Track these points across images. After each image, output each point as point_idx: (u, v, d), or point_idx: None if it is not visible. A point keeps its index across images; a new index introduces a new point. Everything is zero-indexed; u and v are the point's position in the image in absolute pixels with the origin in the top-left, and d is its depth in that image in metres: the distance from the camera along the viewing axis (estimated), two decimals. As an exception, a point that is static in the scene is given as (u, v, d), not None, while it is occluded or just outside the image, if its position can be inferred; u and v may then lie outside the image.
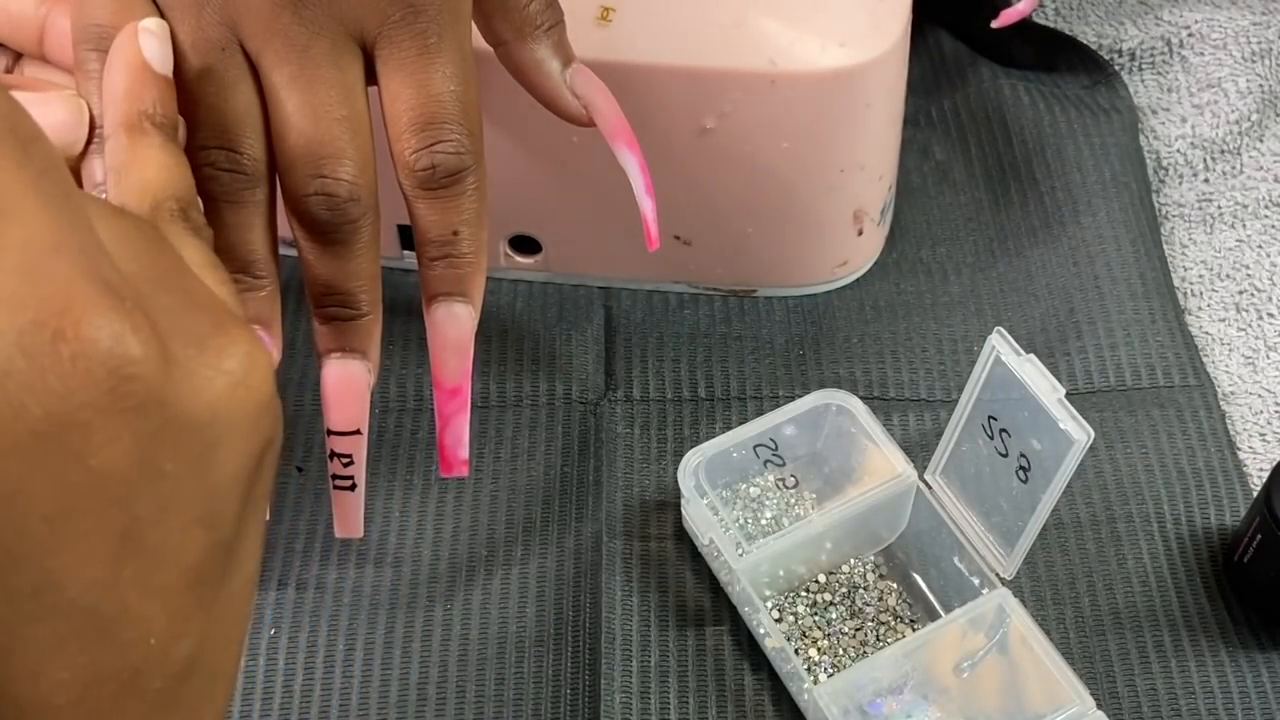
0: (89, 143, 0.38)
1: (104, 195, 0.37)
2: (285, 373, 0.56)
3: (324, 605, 0.50)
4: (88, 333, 0.23)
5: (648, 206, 0.46)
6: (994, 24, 0.63)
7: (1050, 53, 0.69)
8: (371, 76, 0.41)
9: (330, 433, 0.43)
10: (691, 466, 0.50)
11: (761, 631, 0.49)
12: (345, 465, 0.44)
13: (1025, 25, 0.69)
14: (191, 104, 0.39)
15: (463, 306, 0.42)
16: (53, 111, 0.37)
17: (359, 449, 0.43)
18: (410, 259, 0.58)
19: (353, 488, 0.44)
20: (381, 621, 0.50)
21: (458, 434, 0.44)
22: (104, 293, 0.23)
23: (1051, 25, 0.70)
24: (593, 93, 0.45)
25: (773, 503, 0.52)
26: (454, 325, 0.42)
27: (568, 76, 0.45)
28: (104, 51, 0.38)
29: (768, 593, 0.50)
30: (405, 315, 0.57)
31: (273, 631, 0.49)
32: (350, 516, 0.45)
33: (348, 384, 0.42)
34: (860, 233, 0.58)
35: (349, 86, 0.40)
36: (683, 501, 0.50)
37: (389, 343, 0.57)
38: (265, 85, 0.40)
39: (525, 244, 0.59)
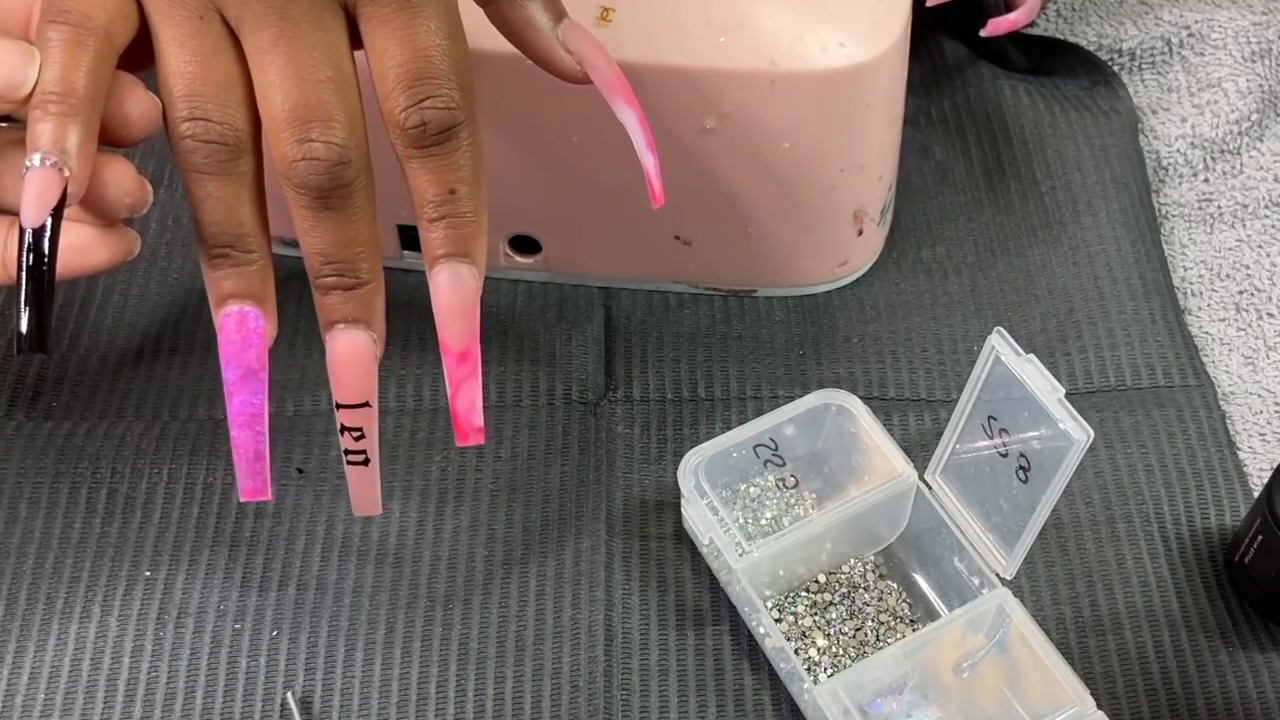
0: (38, 104, 0.37)
1: (48, 161, 0.36)
2: (285, 372, 0.56)
3: (324, 605, 0.50)
4: None
5: (649, 161, 0.45)
6: (982, 32, 0.63)
7: (1049, 60, 0.69)
8: (357, 40, 0.40)
9: (339, 406, 0.42)
10: (691, 466, 0.50)
11: (761, 631, 0.49)
12: (356, 440, 0.43)
13: (1022, 35, 0.69)
14: (169, 75, 0.39)
15: (467, 267, 0.41)
16: (2, 52, 0.37)
17: (369, 422, 0.42)
18: (411, 259, 0.58)
19: (366, 463, 0.43)
20: (381, 621, 0.50)
21: (470, 399, 0.43)
22: None
23: (1052, 25, 0.70)
24: (587, 48, 0.44)
25: (773, 503, 0.52)
26: (458, 287, 0.41)
27: (560, 33, 0.44)
28: (66, 24, 0.37)
29: (768, 593, 0.50)
30: (405, 315, 0.57)
31: (274, 632, 0.49)
32: (366, 493, 0.44)
33: (353, 354, 0.41)
34: (860, 233, 0.58)
35: (333, 47, 0.39)
36: (683, 501, 0.50)
37: (388, 344, 0.57)
38: (247, 51, 0.39)
39: (525, 244, 0.59)
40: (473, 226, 0.41)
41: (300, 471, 0.53)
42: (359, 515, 0.45)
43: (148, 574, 0.50)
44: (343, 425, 0.42)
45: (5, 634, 0.49)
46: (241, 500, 0.42)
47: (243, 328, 0.40)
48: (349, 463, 0.43)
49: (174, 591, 0.50)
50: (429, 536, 0.52)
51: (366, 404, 0.42)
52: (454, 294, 0.41)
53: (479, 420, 0.43)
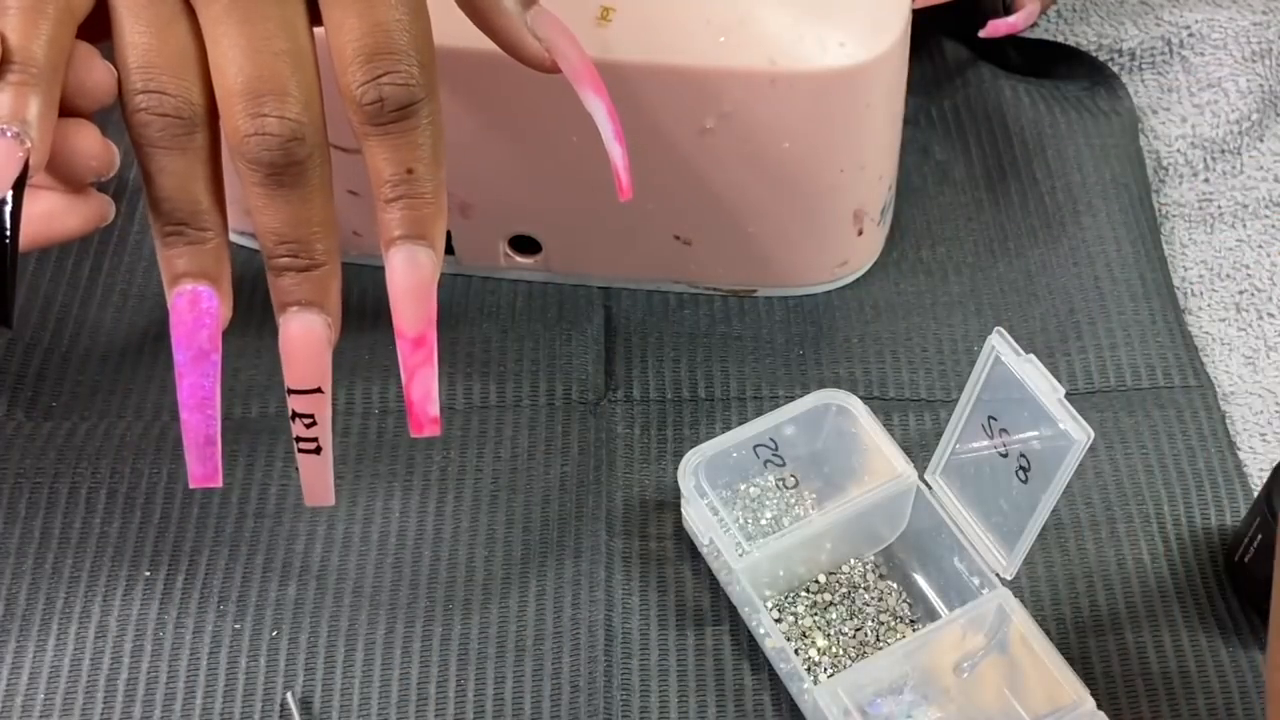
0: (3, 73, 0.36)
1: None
2: (274, 374, 0.56)
3: (324, 605, 0.50)
4: None
5: (617, 153, 0.44)
6: (981, 34, 0.63)
7: (1048, 62, 0.69)
8: (316, 15, 0.40)
9: (290, 391, 0.41)
10: (691, 466, 0.50)
11: (761, 631, 0.49)
12: (308, 426, 0.42)
13: (1022, 39, 0.69)
14: (124, 46, 0.38)
15: (423, 250, 0.40)
16: None
17: (321, 408, 0.41)
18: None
19: (317, 451, 0.42)
20: (381, 621, 0.50)
21: (425, 388, 0.41)
22: None
23: (1052, 25, 0.70)
24: (556, 36, 0.43)
25: (773, 503, 0.52)
26: (414, 270, 0.40)
27: (529, 19, 0.43)
28: None
29: (768, 593, 0.50)
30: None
31: (274, 632, 0.49)
32: (317, 483, 0.43)
33: (306, 338, 0.40)
34: (860, 233, 0.58)
35: (289, 20, 0.38)
36: (683, 501, 0.50)
37: (387, 344, 0.57)
38: (202, 21, 0.38)
39: (525, 244, 0.59)
40: (431, 208, 0.40)
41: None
42: (310, 505, 0.44)
43: (147, 574, 0.50)
44: (294, 411, 0.41)
45: (5, 634, 0.49)
46: (190, 486, 0.41)
47: (195, 308, 0.39)
48: (300, 450, 0.42)
49: (174, 592, 0.50)
50: (429, 536, 0.52)
51: (319, 390, 0.41)
52: (409, 277, 0.40)
53: (434, 410, 0.42)
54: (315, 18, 0.40)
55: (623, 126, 0.44)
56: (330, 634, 0.49)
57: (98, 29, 0.39)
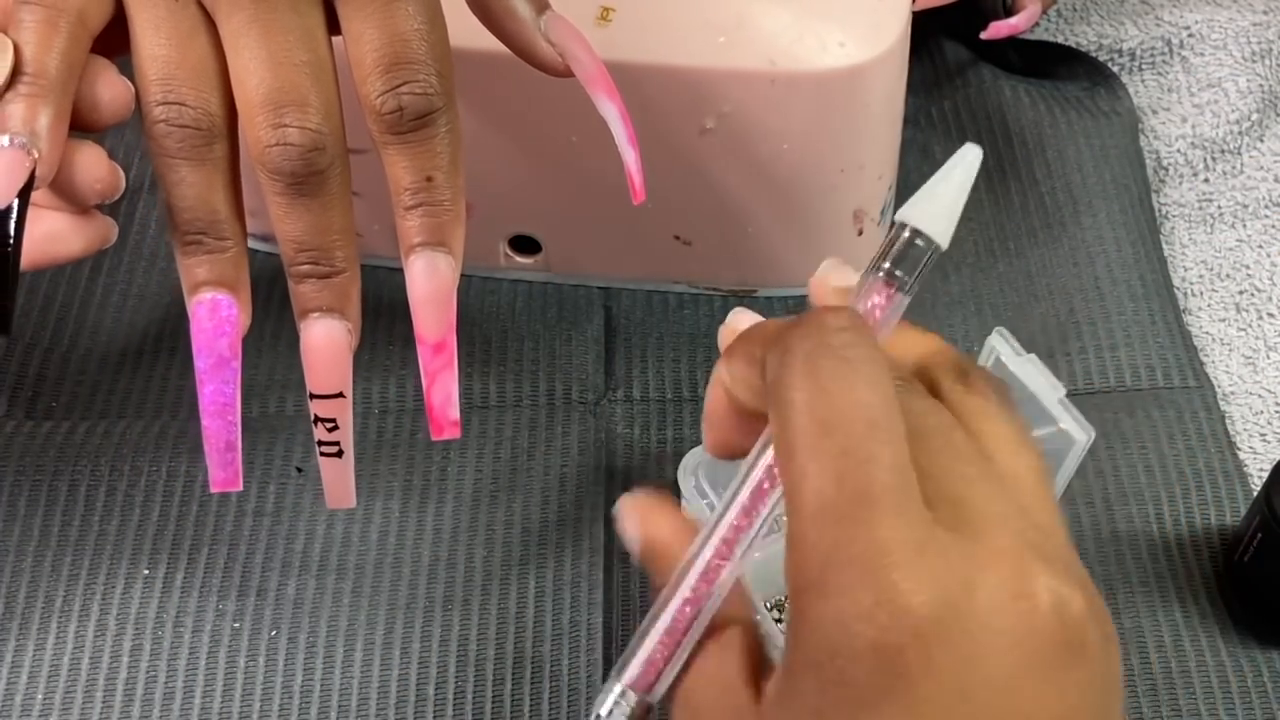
0: (9, 86, 0.37)
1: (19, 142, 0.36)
2: (284, 373, 0.56)
3: (324, 605, 0.50)
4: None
5: (630, 157, 0.44)
6: (982, 35, 0.63)
7: (1049, 63, 0.69)
8: (335, 25, 0.40)
9: (313, 396, 0.41)
10: (691, 466, 0.50)
11: (762, 632, 0.49)
12: (330, 430, 0.42)
13: (1022, 40, 0.69)
14: (143, 59, 0.39)
15: (443, 257, 0.41)
16: None
17: (344, 413, 0.42)
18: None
19: (339, 454, 0.43)
20: (381, 621, 0.50)
21: (446, 391, 0.42)
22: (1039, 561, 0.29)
23: (1053, 25, 0.70)
24: (569, 40, 0.43)
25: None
26: (434, 276, 0.41)
27: (542, 23, 0.43)
28: (39, 5, 0.37)
29: (768, 593, 0.50)
30: (404, 316, 0.57)
31: (273, 632, 0.49)
32: (340, 486, 0.44)
33: (328, 344, 0.41)
34: (860, 233, 0.58)
35: (309, 31, 0.39)
36: (683, 502, 0.50)
37: (388, 343, 0.57)
38: (222, 34, 0.39)
39: (525, 244, 0.59)
40: (450, 215, 0.41)
41: (300, 471, 0.53)
42: (332, 508, 0.44)
43: (146, 572, 0.50)
44: (316, 416, 0.42)
45: (4, 632, 0.49)
46: (211, 490, 0.42)
47: (215, 316, 0.40)
48: (322, 454, 0.43)
49: (173, 590, 0.50)
50: (428, 537, 0.52)
51: (341, 394, 0.41)
52: (429, 283, 0.41)
53: (455, 413, 0.42)
54: (334, 28, 0.40)
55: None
56: (330, 633, 0.49)
57: (115, 42, 0.39)
